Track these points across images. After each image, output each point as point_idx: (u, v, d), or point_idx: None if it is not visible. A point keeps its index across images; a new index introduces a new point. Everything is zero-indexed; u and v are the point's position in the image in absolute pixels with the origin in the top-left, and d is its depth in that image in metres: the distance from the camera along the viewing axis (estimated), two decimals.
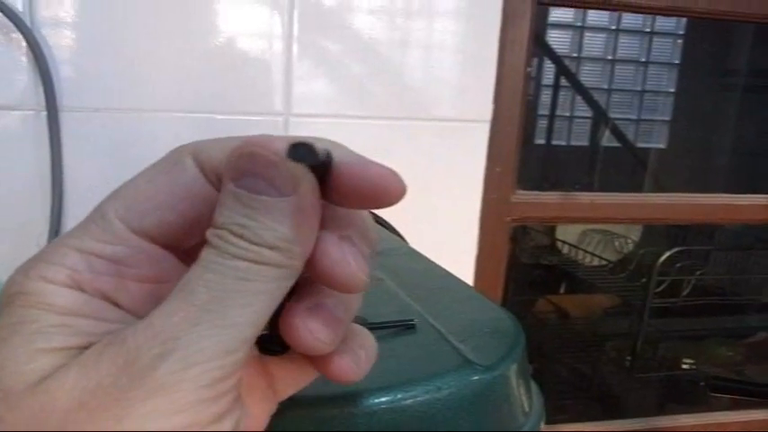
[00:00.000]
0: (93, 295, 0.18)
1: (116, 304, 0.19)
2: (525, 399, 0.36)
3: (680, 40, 3.25)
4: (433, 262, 0.51)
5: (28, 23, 0.72)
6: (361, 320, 0.37)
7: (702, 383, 1.29)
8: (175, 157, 0.20)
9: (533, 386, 0.39)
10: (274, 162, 0.18)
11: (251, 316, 0.17)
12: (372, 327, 0.36)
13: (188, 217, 0.20)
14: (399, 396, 0.30)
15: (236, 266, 0.17)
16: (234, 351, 0.17)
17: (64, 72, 0.75)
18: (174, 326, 0.17)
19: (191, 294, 0.17)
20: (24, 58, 0.73)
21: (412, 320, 0.36)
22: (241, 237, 0.17)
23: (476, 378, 0.32)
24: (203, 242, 0.20)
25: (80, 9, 0.74)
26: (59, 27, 0.74)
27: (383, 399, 0.29)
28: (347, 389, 0.29)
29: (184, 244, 0.20)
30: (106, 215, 0.19)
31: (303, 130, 0.81)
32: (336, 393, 0.29)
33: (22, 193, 0.77)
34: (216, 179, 0.20)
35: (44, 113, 0.74)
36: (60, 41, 0.74)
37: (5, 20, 0.70)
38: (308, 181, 0.18)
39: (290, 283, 0.18)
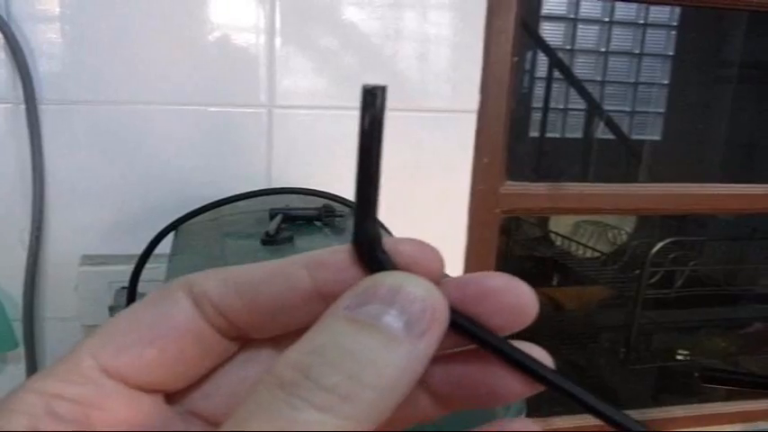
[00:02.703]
0: None
1: None
2: None
3: (673, 32, 3.24)
4: None
5: (4, 16, 0.71)
6: None
7: (696, 374, 1.28)
8: (165, 291, 0.18)
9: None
10: (420, 297, 0.15)
11: None
12: None
13: (171, 354, 0.17)
14: None
15: (309, 420, 0.13)
16: None
17: (42, 65, 0.74)
18: None
19: None
20: (2, 52, 0.72)
21: None
22: (331, 366, 0.14)
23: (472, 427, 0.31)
24: (191, 386, 0.18)
25: (61, 4, 0.73)
26: (37, 19, 0.73)
27: None
28: None
29: (169, 386, 0.18)
30: (78, 352, 0.17)
31: (287, 121, 0.80)
32: None
33: (3, 188, 0.76)
34: (215, 314, 0.18)
35: (23, 107, 0.73)
36: (38, 34, 0.73)
37: None
38: (443, 326, 0.16)
39: None
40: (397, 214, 0.85)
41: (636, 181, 2.82)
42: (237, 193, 0.67)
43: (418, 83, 0.83)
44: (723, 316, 1.89)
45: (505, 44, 0.86)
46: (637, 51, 3.27)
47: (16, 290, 0.78)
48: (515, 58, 0.87)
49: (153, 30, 0.75)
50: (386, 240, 0.17)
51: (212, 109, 0.78)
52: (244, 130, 0.80)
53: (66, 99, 0.75)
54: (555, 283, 2.12)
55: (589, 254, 2.00)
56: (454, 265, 0.91)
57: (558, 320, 1.90)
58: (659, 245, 1.59)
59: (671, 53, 3.27)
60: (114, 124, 0.77)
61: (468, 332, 0.17)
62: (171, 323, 0.17)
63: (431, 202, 0.87)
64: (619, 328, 1.77)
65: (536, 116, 2.91)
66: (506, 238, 2.03)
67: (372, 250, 0.16)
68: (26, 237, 0.77)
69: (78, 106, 0.75)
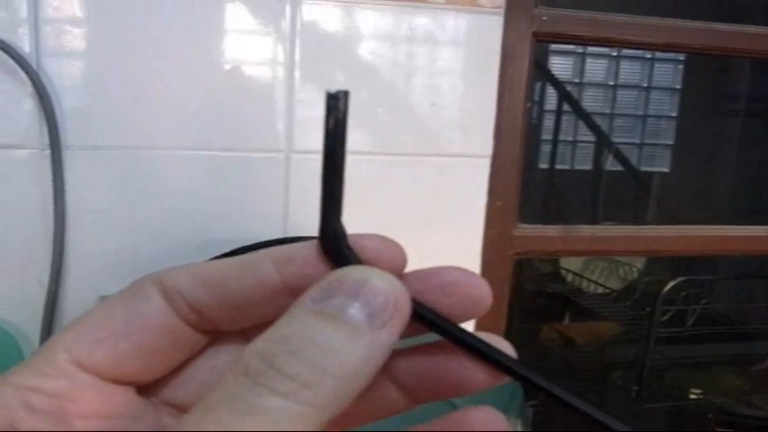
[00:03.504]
0: None
1: None
2: None
3: (681, 66, 3.26)
4: None
5: (34, 66, 0.73)
6: None
7: (710, 416, 1.27)
8: (137, 286, 0.19)
9: None
10: (383, 290, 0.16)
11: None
12: None
13: (144, 348, 0.18)
14: None
15: (270, 407, 0.14)
16: None
17: (68, 111, 0.75)
18: None
19: None
20: (29, 98, 0.74)
21: None
22: (294, 355, 0.15)
23: None
24: (164, 377, 0.18)
25: (85, 49, 0.75)
26: (64, 65, 0.75)
27: None
28: None
29: (142, 378, 0.19)
30: (53, 346, 0.18)
31: (305, 166, 0.82)
32: None
33: (25, 231, 0.77)
34: (186, 308, 0.18)
35: (48, 152, 0.75)
36: (65, 80, 0.75)
37: (11, 61, 0.71)
38: (404, 317, 0.16)
39: (318, 428, 0.15)
40: (411, 257, 0.86)
41: (645, 213, 2.81)
42: (254, 238, 0.68)
43: (434, 128, 0.85)
44: (735, 352, 1.88)
45: (518, 91, 0.87)
46: (645, 85, 3.29)
47: (34, 330, 0.78)
48: (528, 105, 0.89)
49: (174, 73, 0.77)
50: (350, 236, 0.18)
51: (230, 154, 0.80)
52: (262, 176, 0.81)
53: (89, 144, 0.77)
54: (566, 319, 2.11)
55: (600, 290, 1.99)
56: None
57: (569, 357, 1.89)
58: (670, 284, 1.59)
59: (678, 86, 3.29)
60: (134, 169, 0.78)
61: (430, 323, 0.17)
62: (144, 318, 0.18)
63: (444, 245, 0.88)
64: (630, 365, 1.76)
65: (545, 148, 2.93)
66: (517, 275, 2.03)
67: (338, 245, 0.17)
68: (45, 278, 0.78)
69: (100, 151, 0.77)
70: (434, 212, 0.87)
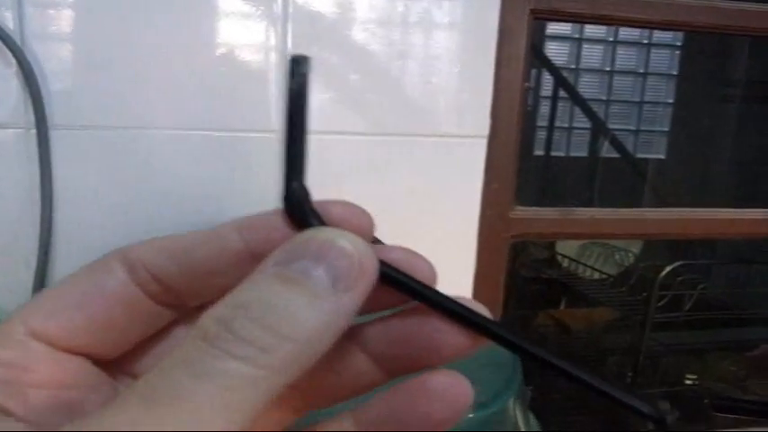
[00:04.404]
0: None
1: (6, 412, 0.17)
2: None
3: (678, 52, 3.25)
4: None
5: (18, 42, 0.71)
6: None
7: (706, 401, 1.27)
8: (100, 260, 0.18)
9: (531, 419, 0.38)
10: (348, 253, 0.15)
11: None
12: None
13: (99, 319, 0.18)
14: None
15: (226, 370, 0.14)
16: None
17: (54, 90, 0.74)
18: None
19: (144, 398, 0.14)
20: (14, 76, 0.72)
21: None
22: (253, 320, 0.14)
23: (471, 415, 0.30)
24: (131, 352, 0.18)
25: (71, 27, 0.73)
26: (50, 45, 0.73)
27: None
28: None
29: (100, 350, 0.18)
30: (11, 319, 0.18)
31: None
32: None
33: (11, 213, 0.75)
34: (148, 279, 0.18)
35: (34, 131, 0.73)
36: (51, 59, 0.73)
37: None
38: (370, 281, 0.16)
39: (276, 395, 0.15)
40: (406, 239, 0.85)
41: (641, 200, 2.81)
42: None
43: (430, 108, 0.83)
44: (731, 338, 1.88)
45: (516, 70, 0.86)
46: (641, 71, 3.28)
47: None
48: (526, 84, 0.87)
49: (163, 53, 0.75)
50: (316, 202, 0.17)
51: (222, 134, 0.78)
52: (255, 156, 0.80)
53: (76, 124, 0.75)
54: (562, 305, 2.11)
55: (596, 276, 1.99)
56: (463, 290, 0.90)
57: (565, 343, 1.89)
58: (667, 269, 1.58)
59: (675, 72, 3.28)
60: (123, 149, 0.77)
61: (401, 285, 0.17)
62: (102, 289, 0.18)
63: (440, 228, 0.87)
64: (627, 350, 1.76)
65: (541, 135, 2.92)
66: (513, 260, 2.03)
67: (302, 208, 0.17)
68: (33, 259, 0.76)
69: (88, 131, 0.75)
70: (429, 194, 0.86)
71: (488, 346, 0.40)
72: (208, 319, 0.15)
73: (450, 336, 0.17)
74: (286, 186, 0.17)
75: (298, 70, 0.17)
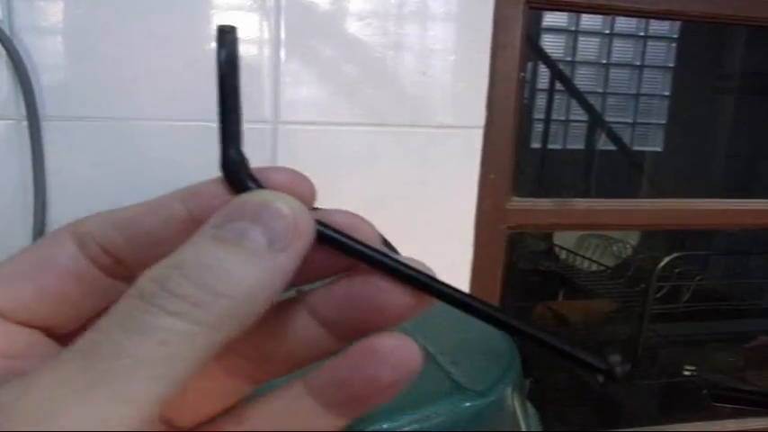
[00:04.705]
0: None
1: None
2: (523, 423, 0.34)
3: (674, 44, 3.25)
4: None
5: (7, 31, 0.70)
6: None
7: (705, 391, 1.27)
8: (51, 234, 0.19)
9: (530, 408, 0.37)
10: (283, 213, 0.15)
11: (158, 390, 0.14)
12: None
13: (49, 291, 0.18)
14: (385, 426, 0.28)
15: (160, 325, 0.14)
16: None
17: (46, 81, 0.73)
18: (53, 399, 0.13)
19: (82, 355, 0.14)
20: (4, 67, 0.71)
21: None
22: (187, 277, 0.14)
23: (468, 405, 0.30)
24: (82, 326, 0.18)
25: (62, 16, 0.72)
26: (40, 35, 0.72)
27: (367, 429, 0.27)
28: None
29: (51, 323, 0.18)
30: None
31: (292, 137, 0.79)
32: None
33: (4, 205, 0.75)
34: (97, 251, 0.18)
35: (25, 123, 0.72)
36: (41, 49, 0.72)
37: None
38: (306, 241, 0.16)
39: (216, 352, 0.15)
40: (403, 231, 0.84)
41: (638, 193, 2.81)
42: None
43: (425, 99, 0.83)
44: (729, 329, 1.88)
45: (512, 59, 0.85)
46: (637, 63, 3.28)
47: None
48: (522, 74, 0.86)
49: (156, 44, 0.74)
50: (257, 168, 0.18)
51: (214, 125, 0.77)
52: (248, 146, 0.79)
53: (68, 115, 0.74)
54: (560, 297, 2.11)
55: (594, 267, 1.98)
56: (461, 282, 0.89)
57: (562, 334, 1.89)
58: (665, 260, 1.58)
59: (671, 65, 3.27)
60: (116, 140, 0.76)
61: (340, 245, 0.17)
62: (51, 261, 0.18)
63: (437, 219, 0.86)
64: (624, 342, 1.76)
65: (537, 128, 2.91)
66: (510, 252, 2.02)
67: (238, 174, 0.17)
68: None
69: (80, 122, 0.75)
70: (426, 185, 0.85)
71: (485, 336, 0.40)
72: (144, 278, 0.15)
73: (394, 295, 0.17)
74: (223, 154, 0.17)
75: (226, 39, 0.18)
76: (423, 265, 0.17)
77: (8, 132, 0.73)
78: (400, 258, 0.17)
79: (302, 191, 0.17)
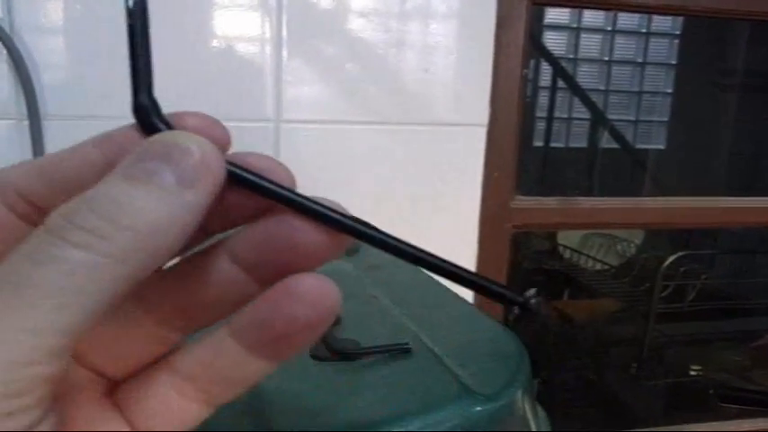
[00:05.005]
0: None
1: None
2: (533, 425, 0.33)
3: (676, 41, 3.24)
4: (429, 275, 0.49)
5: (7, 30, 0.69)
6: (354, 344, 0.35)
7: (711, 391, 1.26)
8: None
9: (540, 411, 0.37)
10: (191, 151, 0.16)
11: (65, 320, 0.14)
12: (365, 351, 0.33)
13: None
14: (395, 431, 0.27)
15: (65, 256, 0.14)
16: (32, 363, 0.14)
17: (46, 79, 0.72)
18: None
19: None
20: (5, 66, 0.71)
21: (407, 343, 0.34)
22: (94, 211, 0.15)
23: (478, 409, 0.29)
24: None
25: (62, 15, 0.72)
26: (41, 33, 0.72)
27: None
28: (334, 422, 0.27)
29: None
30: None
31: (295, 135, 0.79)
32: (323, 429, 0.26)
33: None
34: (18, 200, 0.18)
35: (26, 122, 0.72)
36: (42, 48, 0.72)
37: None
38: (216, 178, 0.16)
39: (126, 287, 0.15)
40: (407, 230, 0.83)
41: (641, 190, 2.80)
42: None
43: (428, 96, 0.82)
44: (735, 328, 1.87)
45: (515, 57, 0.84)
46: (640, 60, 3.27)
47: None
48: (525, 71, 0.86)
49: (157, 43, 0.73)
50: (171, 113, 0.18)
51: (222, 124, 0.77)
52: (250, 145, 0.78)
53: (69, 114, 0.74)
54: (565, 296, 2.10)
55: (598, 266, 1.97)
56: None
57: (568, 334, 1.88)
58: (670, 259, 1.57)
59: (674, 62, 3.26)
60: None
61: (252, 185, 0.17)
62: None
63: (441, 218, 0.86)
64: (630, 341, 1.75)
65: (540, 126, 2.90)
66: (515, 251, 2.02)
67: (150, 117, 0.17)
68: None
69: (82, 121, 0.74)
70: (429, 184, 0.84)
71: (492, 336, 0.39)
72: (53, 213, 0.15)
73: (310, 234, 0.17)
74: (134, 98, 0.18)
75: None
76: (338, 205, 0.17)
77: (9, 132, 0.72)
78: (314, 198, 0.17)
79: (216, 134, 0.18)
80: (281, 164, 0.18)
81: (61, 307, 0.14)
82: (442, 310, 0.41)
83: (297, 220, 0.17)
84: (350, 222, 0.17)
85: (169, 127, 0.17)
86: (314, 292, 0.17)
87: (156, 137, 0.16)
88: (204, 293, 0.18)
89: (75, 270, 0.14)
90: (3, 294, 0.14)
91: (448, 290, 0.44)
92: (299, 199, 0.17)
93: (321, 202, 0.17)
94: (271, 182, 0.17)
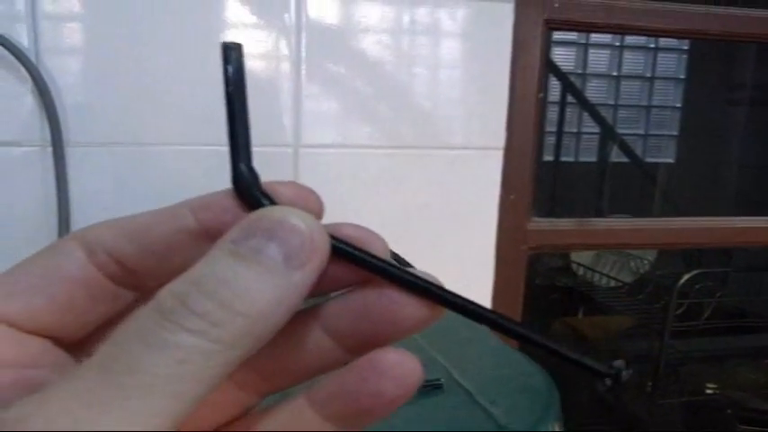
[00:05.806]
0: None
1: None
2: None
3: (684, 55, 3.24)
4: None
5: (33, 59, 0.71)
6: None
7: (729, 411, 1.25)
8: (58, 242, 0.19)
9: None
10: (300, 230, 0.16)
11: (177, 408, 0.14)
12: None
13: (59, 301, 0.18)
14: None
15: (179, 343, 0.14)
16: None
17: (70, 107, 0.73)
18: (71, 412, 0.13)
19: (100, 369, 0.14)
20: (29, 94, 0.72)
21: (439, 380, 0.34)
22: (206, 294, 0.14)
23: None
24: (94, 335, 0.18)
25: (85, 44, 0.73)
26: (65, 62, 0.73)
27: None
28: None
29: (61, 332, 0.18)
30: None
31: (314, 160, 0.80)
32: None
33: (28, 230, 0.75)
34: (106, 260, 0.18)
35: (50, 149, 0.73)
36: (66, 76, 0.73)
37: (10, 56, 0.69)
38: (322, 257, 0.16)
39: (232, 370, 0.15)
40: (424, 253, 0.84)
41: (651, 205, 2.80)
42: None
43: (445, 120, 0.83)
44: (751, 345, 1.85)
45: (531, 80, 0.85)
46: (648, 75, 3.27)
47: None
48: (541, 94, 0.86)
49: (177, 68, 0.75)
50: (266, 183, 0.18)
51: None
52: (270, 170, 0.79)
53: (92, 141, 0.75)
54: (579, 313, 2.09)
55: (612, 284, 1.97)
56: (482, 303, 0.89)
57: (583, 351, 1.87)
58: (685, 277, 1.57)
59: (682, 76, 3.27)
60: (140, 165, 0.76)
61: (354, 259, 0.17)
62: (61, 271, 0.18)
63: (457, 240, 0.86)
64: (645, 359, 1.74)
65: (549, 140, 2.91)
66: (529, 269, 2.01)
67: (251, 189, 0.17)
68: None
69: (105, 148, 0.75)
70: (446, 207, 0.85)
71: (522, 372, 0.39)
72: (164, 292, 0.15)
73: (407, 307, 0.17)
74: (234, 170, 0.18)
75: (231, 56, 0.18)
76: (434, 278, 0.17)
77: (33, 158, 0.74)
78: (413, 271, 0.17)
79: (311, 205, 0.18)
80: (375, 234, 0.18)
81: (174, 394, 0.14)
82: (471, 344, 0.42)
83: (395, 294, 0.17)
84: (449, 297, 0.17)
85: (271, 200, 0.17)
86: (399, 369, 0.17)
87: (262, 212, 0.16)
88: (293, 360, 0.18)
89: (189, 358, 0.14)
90: (113, 376, 0.14)
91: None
92: (400, 273, 0.17)
93: (419, 275, 0.17)
94: (370, 254, 0.17)
